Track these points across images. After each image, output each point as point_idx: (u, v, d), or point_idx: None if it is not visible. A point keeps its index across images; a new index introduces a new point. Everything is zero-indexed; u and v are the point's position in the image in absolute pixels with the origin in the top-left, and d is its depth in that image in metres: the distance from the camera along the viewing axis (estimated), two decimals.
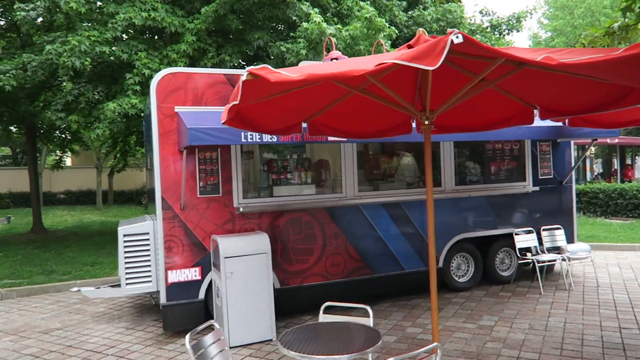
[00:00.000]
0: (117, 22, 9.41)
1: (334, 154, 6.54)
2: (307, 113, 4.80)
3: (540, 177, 7.52)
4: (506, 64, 3.65)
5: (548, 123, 6.61)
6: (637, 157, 25.78)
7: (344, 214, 6.34)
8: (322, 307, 3.68)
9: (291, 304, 6.08)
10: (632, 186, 14.33)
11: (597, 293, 6.78)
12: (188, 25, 9.95)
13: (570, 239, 7.67)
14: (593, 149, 25.05)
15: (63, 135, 16.07)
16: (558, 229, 7.51)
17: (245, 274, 5.28)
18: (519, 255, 7.23)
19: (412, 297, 6.83)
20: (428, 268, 6.71)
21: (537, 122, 6.48)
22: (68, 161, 37.81)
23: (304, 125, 5.07)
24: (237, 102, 2.93)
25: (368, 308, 3.52)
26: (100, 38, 9.26)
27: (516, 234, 7.20)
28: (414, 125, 5.23)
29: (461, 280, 7.14)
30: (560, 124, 6.49)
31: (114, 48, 9.65)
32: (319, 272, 6.20)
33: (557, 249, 7.54)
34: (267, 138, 5.17)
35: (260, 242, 5.38)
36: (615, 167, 24.21)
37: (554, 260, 7.14)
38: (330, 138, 5.42)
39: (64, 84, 12.33)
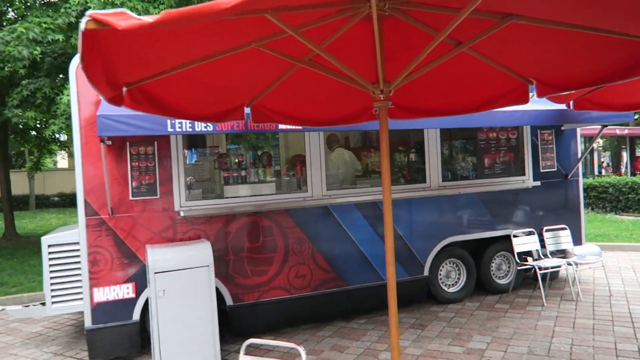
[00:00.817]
0: (71, 7, 8.53)
1: (297, 146, 5.62)
2: (247, 94, 3.88)
3: (542, 171, 6.56)
4: (485, 17, 2.72)
5: (550, 106, 5.65)
6: None
7: (310, 216, 5.42)
8: (244, 346, 2.76)
9: (248, 324, 5.17)
10: None
11: (609, 304, 5.82)
12: (153, 10, 9.05)
13: (577, 240, 6.70)
14: (601, 140, 23.95)
15: (39, 136, 15.25)
16: (563, 229, 6.55)
17: (181, 291, 4.37)
18: (517, 261, 6.27)
19: None
20: (413, 277, 5.78)
21: (537, 105, 5.53)
22: (64, 163, 37.17)
23: (247, 110, 4.15)
24: (81, 64, 2.02)
25: (300, 348, 2.59)
26: (52, 25, 8.39)
27: (514, 236, 6.25)
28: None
29: (451, 290, 6.20)
30: (564, 106, 5.53)
31: (70, 36, 8.78)
32: (280, 285, 5.28)
33: (562, 252, 6.59)
34: (200, 127, 4.25)
35: (201, 252, 4.47)
36: (625, 160, 23.11)
37: (559, 266, 6.18)
38: (281, 126, 4.50)
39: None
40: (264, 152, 5.75)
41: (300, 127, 4.51)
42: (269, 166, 5.46)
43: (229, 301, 5.07)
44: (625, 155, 23.34)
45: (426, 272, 5.95)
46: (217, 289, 5.01)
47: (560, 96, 4.55)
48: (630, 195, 13.28)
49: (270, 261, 5.25)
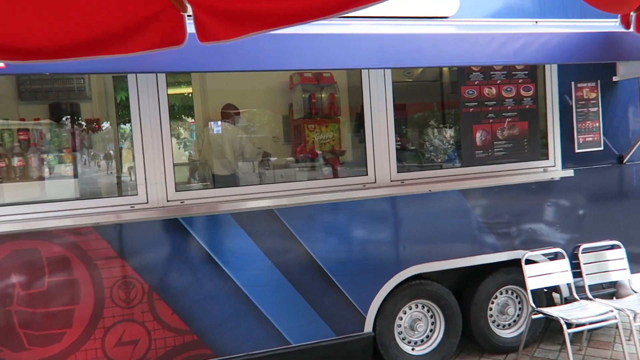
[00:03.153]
0: None
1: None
2: None
3: (578, 151, 3.91)
4: None
5: (591, 27, 3.01)
6: None
7: (144, 238, 3.08)
8: None
9: None
10: None
11: None
12: None
13: (638, 267, 4.06)
14: None
15: None
16: (614, 247, 3.94)
17: None
18: (533, 306, 3.70)
19: None
20: (344, 337, 3.38)
21: (569, 26, 2.94)
22: None
23: None
24: None
25: None
26: None
27: (527, 262, 3.71)
28: (190, 25, 1.93)
29: (418, 351, 3.73)
30: (616, 24, 2.87)
31: None
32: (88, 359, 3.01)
33: (612, 287, 3.98)
34: None
35: None
36: None
37: (604, 320, 3.57)
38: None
39: None
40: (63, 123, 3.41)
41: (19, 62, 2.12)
42: (69, 151, 3.13)
43: None
44: None
45: (368, 327, 3.50)
46: None
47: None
48: None
49: (66, 319, 2.96)
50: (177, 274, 3.13)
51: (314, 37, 2.40)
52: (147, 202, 3.06)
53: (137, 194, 3.05)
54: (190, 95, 5.58)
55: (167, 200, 3.10)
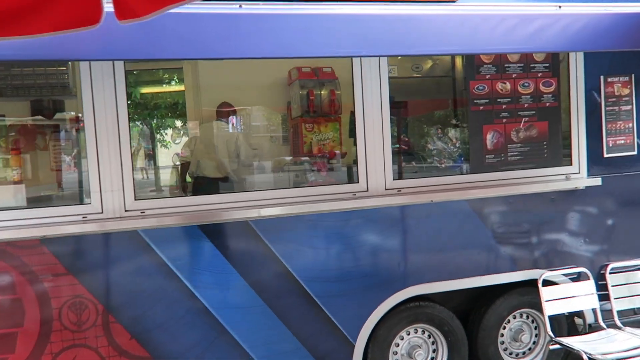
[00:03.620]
0: None
1: None
2: None
3: (606, 156, 3.39)
4: None
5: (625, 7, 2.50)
6: None
7: (98, 254, 2.71)
8: None
9: None
10: None
11: None
12: None
13: None
14: None
15: None
16: None
17: None
18: (551, 335, 3.19)
19: None
20: None
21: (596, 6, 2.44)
22: None
23: None
24: None
25: None
26: None
27: (545, 283, 3.21)
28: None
29: None
30: None
31: None
32: None
33: None
34: None
35: None
36: None
37: (635, 357, 3.04)
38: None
39: None
40: None
41: None
42: (16, 152, 2.77)
43: None
44: None
45: (358, 356, 3.04)
46: None
47: None
48: None
49: (8, 344, 2.61)
50: (137, 293, 2.75)
51: (276, 18, 1.96)
52: (102, 212, 2.69)
53: (90, 203, 2.68)
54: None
55: (125, 210, 2.72)
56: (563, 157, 3.36)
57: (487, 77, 3.18)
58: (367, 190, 3.03)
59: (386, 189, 3.05)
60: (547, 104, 3.30)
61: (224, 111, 4.83)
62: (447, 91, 4.36)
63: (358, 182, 3.02)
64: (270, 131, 5.44)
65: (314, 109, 4.73)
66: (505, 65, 3.19)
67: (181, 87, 5.35)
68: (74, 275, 2.66)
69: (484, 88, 3.17)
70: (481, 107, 3.19)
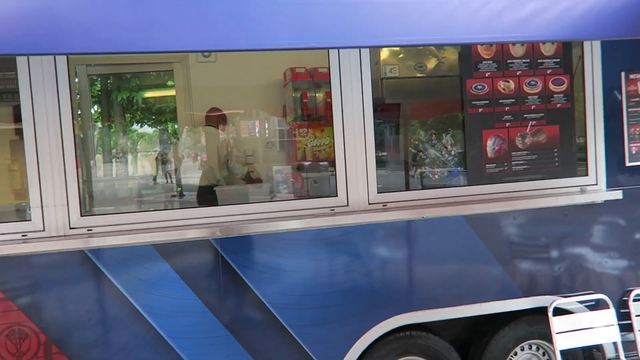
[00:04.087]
0: None
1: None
2: None
3: (628, 165, 2.93)
4: None
5: None
6: None
7: (39, 276, 2.41)
8: None
9: None
10: None
11: None
12: None
13: None
14: None
15: None
16: None
17: None
18: None
19: None
20: None
21: None
22: None
23: None
24: None
25: None
26: None
27: (557, 311, 2.78)
28: None
29: None
30: None
31: None
32: None
33: None
34: None
35: None
36: None
37: None
38: None
39: None
40: None
41: None
42: None
43: None
44: None
45: None
46: None
47: None
48: None
49: None
50: (83, 321, 2.45)
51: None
52: (44, 230, 2.40)
53: (30, 220, 2.40)
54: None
55: (70, 228, 2.42)
56: (577, 166, 2.93)
57: (486, 75, 2.78)
58: (347, 205, 2.66)
59: (369, 204, 2.68)
60: (558, 105, 2.87)
61: (214, 116, 4.54)
62: (454, 92, 3.97)
63: (337, 196, 2.66)
64: (264, 137, 5.13)
65: (308, 113, 4.41)
66: (508, 61, 2.79)
67: (171, 92, 5.09)
68: (12, 300, 2.38)
69: (483, 87, 2.77)
70: (480, 110, 2.79)
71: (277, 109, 4.88)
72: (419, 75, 4.23)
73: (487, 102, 2.80)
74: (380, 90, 4.05)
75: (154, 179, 4.77)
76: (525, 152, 2.87)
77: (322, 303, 2.63)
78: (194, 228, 2.51)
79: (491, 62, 2.78)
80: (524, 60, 2.81)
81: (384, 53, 4.24)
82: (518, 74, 2.82)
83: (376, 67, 4.19)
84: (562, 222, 2.87)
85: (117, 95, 4.97)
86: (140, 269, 2.50)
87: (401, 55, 4.24)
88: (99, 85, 5.27)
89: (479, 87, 2.77)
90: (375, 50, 4.31)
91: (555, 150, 2.90)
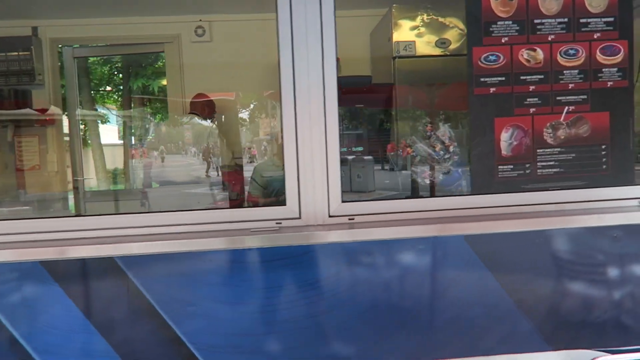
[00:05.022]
0: None
1: None
2: None
3: None
4: None
5: None
6: None
7: None
8: None
9: None
10: None
11: None
12: None
13: None
14: None
15: None
16: None
17: None
18: None
19: None
20: None
21: None
22: None
23: None
24: None
25: None
26: None
27: None
28: None
29: None
30: None
31: None
32: None
33: None
34: None
35: None
36: None
37: None
38: None
39: None
40: None
41: None
42: None
43: None
44: None
45: None
46: None
47: None
48: None
49: None
50: None
51: None
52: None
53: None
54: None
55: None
56: (636, 170, 2.07)
57: (503, 41, 1.97)
58: (299, 218, 1.97)
59: (330, 216, 1.97)
60: (610, 84, 2.02)
61: (198, 102, 3.97)
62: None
63: (285, 205, 1.97)
64: (266, 127, 4.52)
65: None
66: (536, 21, 1.97)
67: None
68: None
69: (497, 58, 1.97)
70: (492, 90, 1.99)
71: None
72: (440, 53, 3.53)
73: (503, 78, 1.99)
74: (393, 71, 3.37)
75: None
76: (558, 149, 2.04)
77: (258, 347, 1.97)
78: (91, 241, 1.91)
79: (510, 22, 1.97)
80: (559, 20, 1.98)
81: (399, 27, 3.57)
82: (550, 39, 1.99)
83: (388, 44, 3.55)
84: (611, 247, 2.03)
85: None
86: (25, 292, 1.94)
87: (420, 29, 3.56)
88: None
89: (492, 57, 1.97)
90: (386, 24, 3.61)
91: (604, 147, 2.04)
